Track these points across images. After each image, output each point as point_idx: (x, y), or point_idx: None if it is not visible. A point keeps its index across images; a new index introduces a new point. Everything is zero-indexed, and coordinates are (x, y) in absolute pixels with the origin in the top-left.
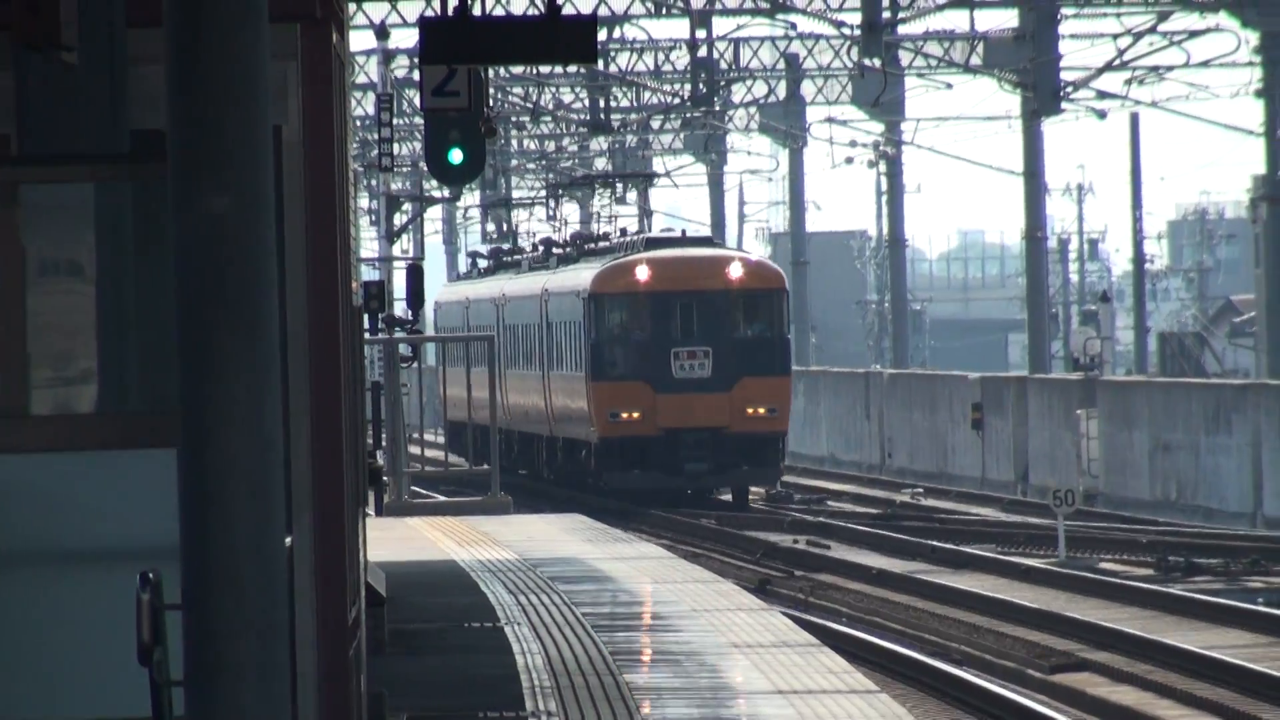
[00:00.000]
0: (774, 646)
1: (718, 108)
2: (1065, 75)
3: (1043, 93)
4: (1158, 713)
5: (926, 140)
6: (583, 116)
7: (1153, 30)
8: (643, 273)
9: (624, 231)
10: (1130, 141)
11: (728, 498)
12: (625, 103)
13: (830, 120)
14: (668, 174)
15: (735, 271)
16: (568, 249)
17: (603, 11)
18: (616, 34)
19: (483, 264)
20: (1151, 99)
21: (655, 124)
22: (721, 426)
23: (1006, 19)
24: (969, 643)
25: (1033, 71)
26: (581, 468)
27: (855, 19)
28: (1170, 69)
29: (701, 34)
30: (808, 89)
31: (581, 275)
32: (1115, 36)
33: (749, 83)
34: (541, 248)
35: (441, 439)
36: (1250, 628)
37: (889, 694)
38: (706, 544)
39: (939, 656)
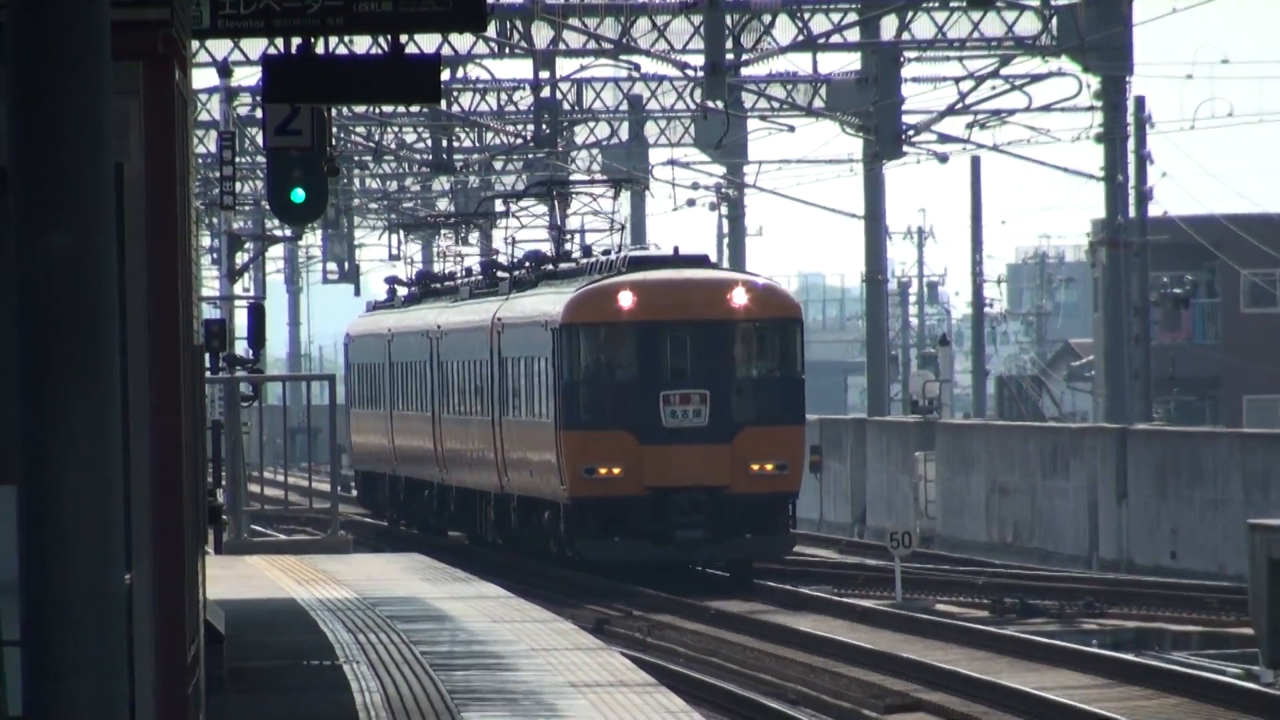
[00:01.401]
0: (612, 686)
1: (560, 148)
2: (907, 119)
3: (885, 136)
4: None
5: (769, 182)
6: (425, 156)
7: (995, 74)
8: (626, 299)
9: (587, 251)
10: (971, 185)
11: (724, 572)
12: (468, 143)
13: (673, 162)
14: (512, 214)
15: (740, 297)
16: (522, 272)
17: (446, 51)
18: (460, 74)
19: (402, 291)
20: (993, 142)
21: (498, 164)
22: (721, 486)
23: (849, 62)
24: (805, 683)
25: (875, 115)
26: (544, 533)
27: (698, 61)
28: (1012, 113)
29: (545, 75)
30: (650, 130)
31: (548, 302)
32: (957, 80)
33: (592, 124)
34: (482, 272)
35: (280, 476)
36: (1084, 669)
37: None
38: (540, 588)
39: (775, 697)
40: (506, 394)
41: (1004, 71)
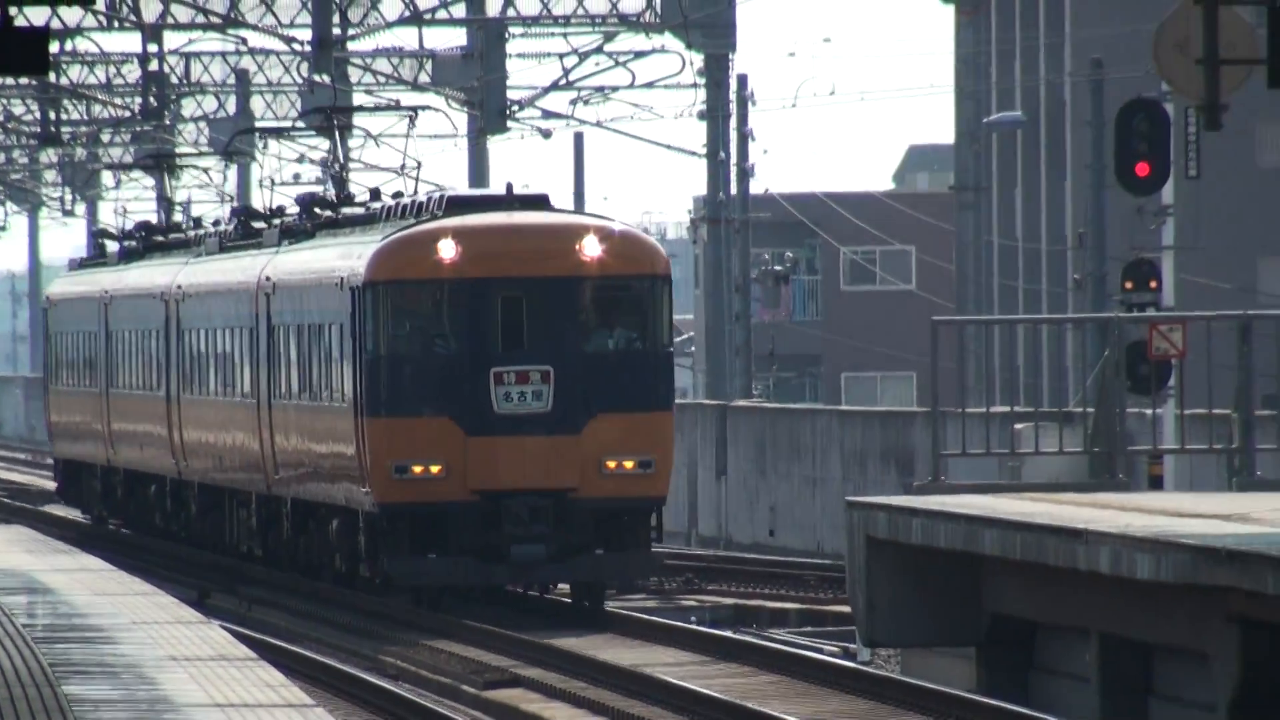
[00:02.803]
0: (213, 660)
1: (168, 121)
2: (512, 94)
3: (489, 111)
4: None
5: (371, 158)
6: (33, 128)
7: (599, 50)
8: (447, 249)
9: (375, 194)
10: (574, 160)
11: (565, 597)
12: (76, 115)
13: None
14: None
15: (591, 248)
16: (295, 219)
17: (54, 24)
18: (68, 46)
19: (115, 247)
20: (597, 118)
21: (105, 137)
22: (566, 489)
23: (456, 37)
24: (405, 658)
25: (480, 90)
26: (332, 548)
27: (306, 35)
28: (616, 89)
29: (153, 48)
30: (257, 104)
31: (342, 255)
32: (562, 56)
33: (199, 97)
34: (235, 221)
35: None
36: (684, 646)
37: (325, 709)
38: (145, 561)
39: (374, 671)
40: (279, 371)
41: (608, 48)
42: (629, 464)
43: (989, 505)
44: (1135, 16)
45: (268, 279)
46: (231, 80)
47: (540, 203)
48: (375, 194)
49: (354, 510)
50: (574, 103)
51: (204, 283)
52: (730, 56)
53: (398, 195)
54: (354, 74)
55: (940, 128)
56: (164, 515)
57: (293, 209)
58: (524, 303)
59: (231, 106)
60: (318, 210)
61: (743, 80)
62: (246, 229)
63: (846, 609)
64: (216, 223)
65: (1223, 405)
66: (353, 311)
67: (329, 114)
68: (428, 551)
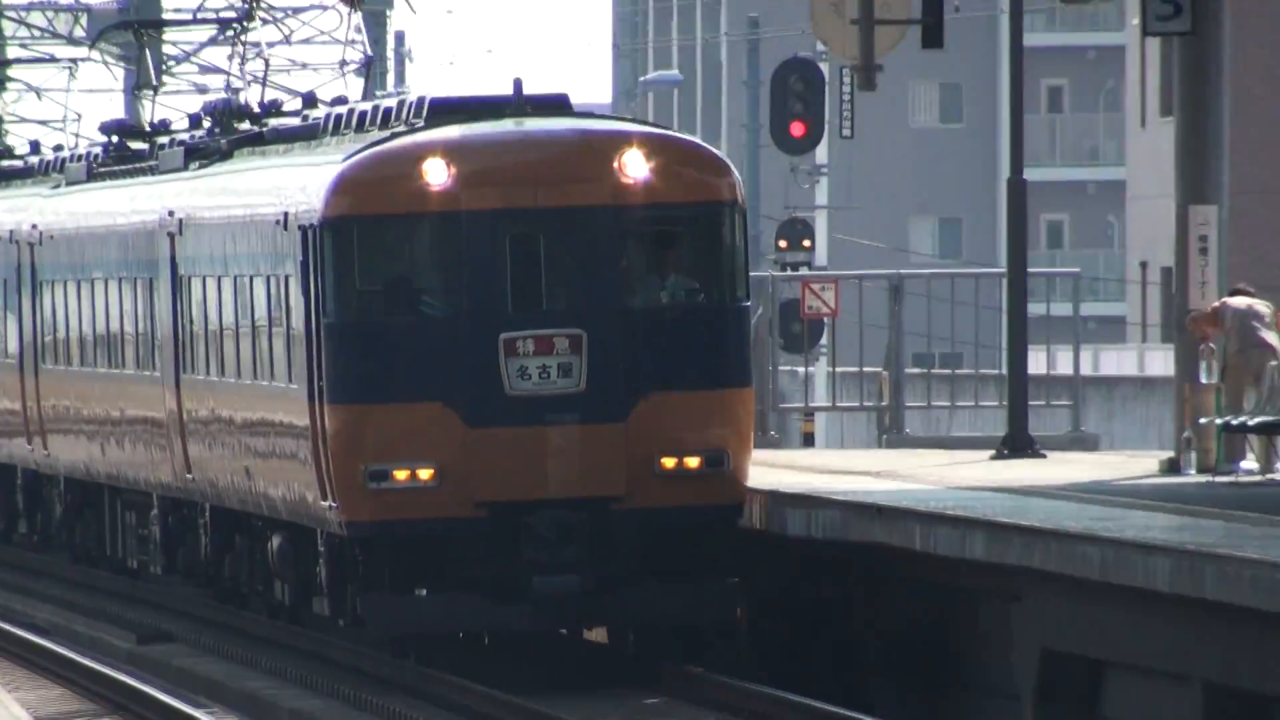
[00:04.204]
0: None
1: None
2: (169, 50)
3: (144, 67)
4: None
5: (29, 111)
6: None
7: (256, 4)
8: (437, 171)
9: (310, 100)
10: None
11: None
12: None
13: None
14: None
15: (636, 165)
16: (205, 136)
17: None
18: None
19: None
20: (253, 74)
21: None
22: (608, 497)
23: None
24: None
25: (136, 45)
26: (277, 574)
27: None
28: (273, 44)
29: None
30: None
31: (288, 180)
32: (218, 11)
33: None
34: (108, 142)
35: None
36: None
37: None
38: None
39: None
40: (192, 338)
41: (266, 1)
42: (693, 461)
43: None
44: None
45: (172, 215)
46: None
47: (560, 106)
48: (310, 100)
49: (312, 530)
50: (231, 58)
51: (72, 222)
52: (388, 13)
53: (338, 100)
54: (8, 27)
55: (598, 87)
56: (13, 517)
57: (182, 124)
58: (543, 243)
59: None
60: (232, 118)
61: (400, 37)
62: (124, 151)
63: None
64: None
65: (874, 363)
66: (304, 259)
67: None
68: (416, 586)
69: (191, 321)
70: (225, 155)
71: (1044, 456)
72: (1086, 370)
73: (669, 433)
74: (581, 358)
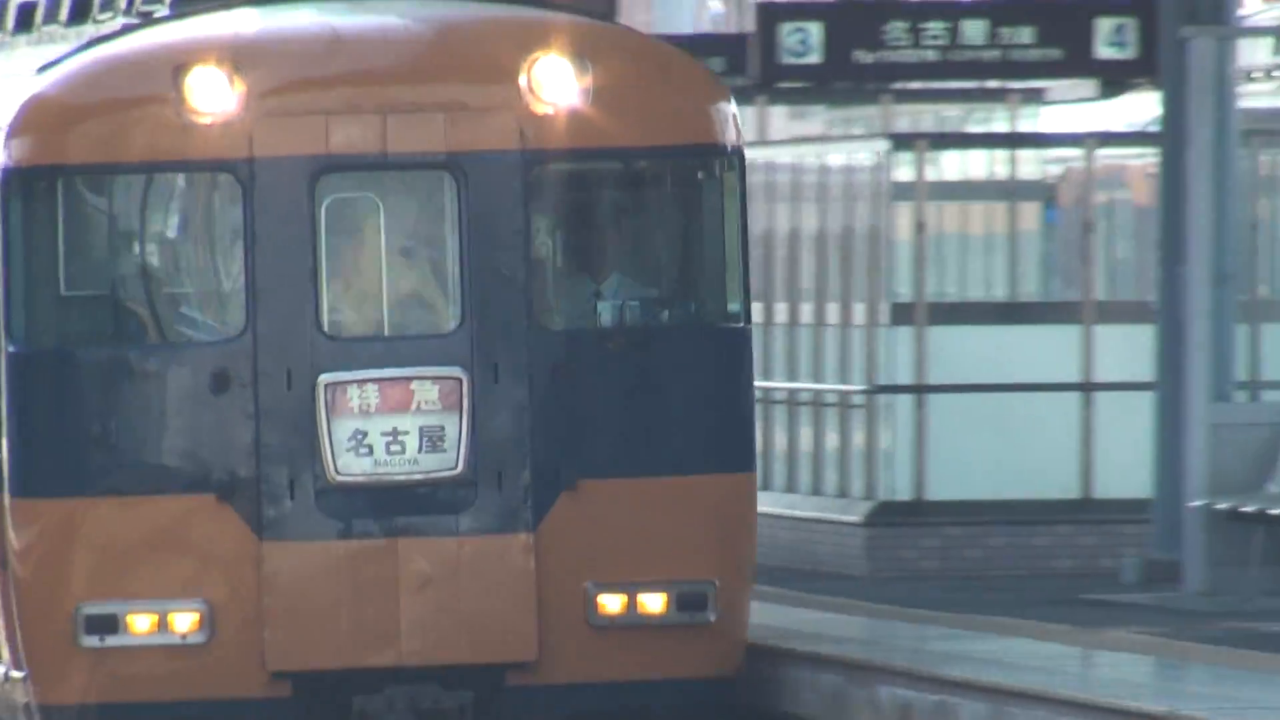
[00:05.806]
0: None
1: None
2: None
3: None
4: None
5: None
6: None
7: None
8: (207, 88)
9: None
10: None
11: None
12: None
13: None
14: None
15: (559, 82)
16: None
17: None
18: None
19: None
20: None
21: None
22: (506, 665)
23: None
24: None
25: None
26: None
27: None
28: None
29: None
30: None
31: None
32: None
33: None
34: None
35: None
36: None
37: None
38: None
39: None
40: None
41: None
42: (653, 601)
43: None
44: None
45: None
46: None
47: None
48: None
49: None
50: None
51: None
52: None
53: None
54: None
55: None
56: None
57: None
58: (388, 216)
59: None
60: None
61: None
62: None
63: None
64: None
65: None
66: None
67: None
68: None
69: None
70: None
71: None
72: None
73: (611, 552)
74: (460, 418)
